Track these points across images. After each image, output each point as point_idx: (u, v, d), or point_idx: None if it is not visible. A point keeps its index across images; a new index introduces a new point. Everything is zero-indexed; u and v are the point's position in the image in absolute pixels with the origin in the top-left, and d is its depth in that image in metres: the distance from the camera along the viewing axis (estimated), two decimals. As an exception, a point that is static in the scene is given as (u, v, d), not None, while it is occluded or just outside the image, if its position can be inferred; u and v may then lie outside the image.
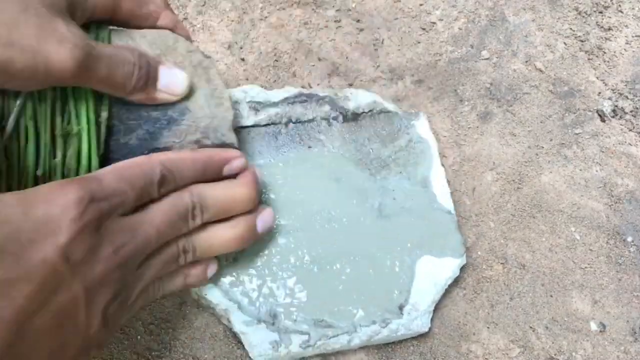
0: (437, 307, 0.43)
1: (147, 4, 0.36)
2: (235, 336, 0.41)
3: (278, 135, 0.45)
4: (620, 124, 0.50)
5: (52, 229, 0.26)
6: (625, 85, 0.51)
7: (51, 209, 0.26)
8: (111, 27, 0.35)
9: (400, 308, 0.41)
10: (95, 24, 0.34)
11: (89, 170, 0.33)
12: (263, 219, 0.38)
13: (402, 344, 0.42)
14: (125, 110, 0.34)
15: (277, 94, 0.46)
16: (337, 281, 0.41)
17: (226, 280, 0.41)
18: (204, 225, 0.35)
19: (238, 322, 0.40)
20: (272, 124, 0.45)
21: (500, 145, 0.49)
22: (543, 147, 0.49)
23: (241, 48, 0.51)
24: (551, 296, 0.44)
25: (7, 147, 0.31)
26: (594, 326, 0.43)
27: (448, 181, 0.46)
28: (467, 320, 0.43)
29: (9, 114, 0.31)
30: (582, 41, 0.53)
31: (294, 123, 0.45)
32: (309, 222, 0.43)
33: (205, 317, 0.42)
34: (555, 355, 0.42)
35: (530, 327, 0.43)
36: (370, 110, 0.47)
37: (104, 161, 0.34)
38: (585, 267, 0.45)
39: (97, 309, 0.28)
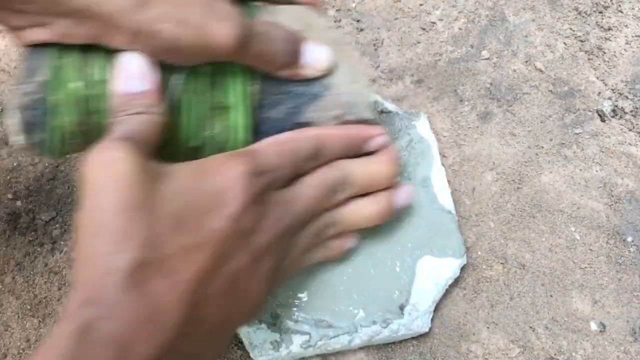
0: (437, 307, 0.43)
1: None
2: (235, 336, 0.41)
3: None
4: (620, 124, 0.50)
5: (225, 200, 0.28)
6: (625, 85, 0.51)
7: (223, 181, 0.28)
8: (256, 3, 0.36)
9: (401, 308, 0.41)
10: (242, 1, 0.35)
11: (241, 142, 0.34)
12: (402, 195, 0.39)
13: (402, 344, 0.42)
14: (271, 85, 0.35)
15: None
16: (337, 281, 0.41)
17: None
18: (347, 200, 0.36)
19: (238, 322, 0.40)
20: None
21: (500, 145, 0.49)
22: (543, 147, 0.49)
23: (241, 48, 0.51)
24: (551, 296, 0.44)
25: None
26: (594, 326, 0.43)
27: (448, 181, 0.46)
28: (467, 320, 0.43)
29: (172, 88, 0.32)
30: (582, 41, 0.53)
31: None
32: (309, 222, 0.43)
33: (206, 317, 0.42)
34: (555, 355, 0.42)
35: (530, 327, 0.43)
36: (370, 110, 0.47)
37: (253, 134, 0.35)
38: (585, 267, 0.45)
39: (260, 276, 0.30)
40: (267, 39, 0.32)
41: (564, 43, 0.53)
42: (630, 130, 0.49)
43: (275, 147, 0.32)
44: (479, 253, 0.45)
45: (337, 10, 0.54)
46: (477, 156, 0.48)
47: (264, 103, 0.35)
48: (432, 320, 0.42)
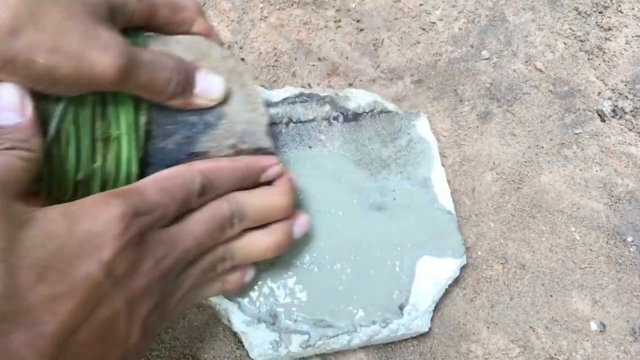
0: (437, 307, 0.43)
1: (182, 11, 0.36)
2: (235, 336, 0.41)
3: (278, 135, 0.45)
4: (620, 124, 0.50)
5: (96, 245, 0.26)
6: (625, 85, 0.51)
7: (95, 225, 0.27)
8: (147, 34, 0.35)
9: (401, 308, 0.41)
10: (132, 30, 0.34)
11: (129, 174, 0.33)
12: (299, 225, 0.38)
13: (402, 344, 0.42)
14: (162, 114, 0.34)
15: (277, 94, 0.46)
16: (337, 281, 0.41)
17: (226, 280, 0.41)
18: (242, 232, 0.35)
19: (238, 322, 0.40)
20: (273, 124, 0.45)
21: (500, 145, 0.49)
22: (543, 147, 0.49)
23: (241, 48, 0.51)
24: (551, 296, 0.44)
25: (48, 151, 0.31)
26: (594, 326, 0.43)
27: (448, 181, 0.46)
28: (467, 320, 0.43)
29: (51, 119, 0.31)
30: (582, 41, 0.53)
31: (294, 123, 0.45)
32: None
33: (205, 317, 0.42)
34: (555, 355, 0.42)
35: (530, 327, 0.43)
36: (370, 110, 0.47)
37: (142, 165, 0.34)
38: (585, 267, 0.45)
39: (137, 321, 0.29)
40: (153, 68, 0.31)
41: (564, 43, 0.53)
42: (630, 130, 0.49)
43: (159, 184, 0.31)
44: (479, 253, 0.45)
45: (337, 10, 0.54)
46: (477, 156, 0.48)
47: (155, 134, 0.34)
48: (432, 320, 0.42)
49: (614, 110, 0.50)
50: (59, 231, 0.26)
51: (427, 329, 0.41)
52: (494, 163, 0.48)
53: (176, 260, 0.31)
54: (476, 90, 0.51)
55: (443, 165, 0.47)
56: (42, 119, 0.30)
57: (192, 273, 0.33)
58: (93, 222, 0.27)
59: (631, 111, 0.50)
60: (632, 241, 0.46)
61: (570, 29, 0.53)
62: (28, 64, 0.27)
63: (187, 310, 0.36)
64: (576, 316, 0.44)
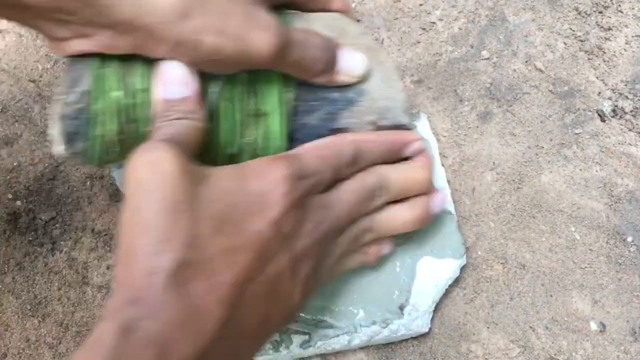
0: (437, 307, 0.43)
1: None
2: (235, 336, 0.41)
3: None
4: (620, 124, 0.50)
5: (267, 203, 0.28)
6: (625, 85, 0.51)
7: (265, 184, 0.29)
8: (289, 11, 0.36)
9: (401, 308, 0.41)
10: (278, 9, 0.35)
11: (278, 150, 0.34)
12: (438, 200, 0.39)
13: (402, 344, 0.42)
14: (307, 91, 0.35)
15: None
16: (337, 281, 0.41)
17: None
18: (384, 205, 0.36)
19: (238, 322, 0.40)
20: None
21: (500, 145, 0.49)
22: (543, 147, 0.49)
23: (241, 48, 0.51)
24: (551, 296, 0.44)
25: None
26: (594, 326, 0.43)
27: (448, 181, 0.46)
28: (467, 320, 0.43)
29: (208, 96, 0.32)
30: (582, 41, 0.53)
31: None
32: (309, 222, 0.43)
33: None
34: (555, 355, 0.42)
35: (530, 327, 0.43)
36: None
37: (289, 141, 0.35)
38: (585, 267, 0.45)
39: (299, 280, 0.30)
40: (304, 47, 0.33)
41: (564, 43, 0.53)
42: (630, 130, 0.49)
43: (317, 152, 0.33)
44: (479, 253, 0.45)
45: (337, 10, 0.54)
46: (477, 156, 0.48)
47: (299, 110, 0.35)
48: (432, 320, 0.42)
49: (614, 110, 0.50)
50: (232, 188, 0.28)
51: (427, 329, 0.41)
52: (494, 163, 0.48)
53: (331, 225, 0.32)
54: (476, 90, 0.51)
55: (443, 165, 0.47)
56: (201, 95, 0.32)
57: (341, 241, 0.34)
58: (263, 182, 0.28)
59: (631, 111, 0.50)
60: (632, 241, 0.46)
61: (570, 29, 0.53)
62: (197, 45, 0.29)
63: (332, 280, 0.37)
64: (576, 316, 0.44)
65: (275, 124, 0.34)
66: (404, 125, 0.37)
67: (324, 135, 0.35)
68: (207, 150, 0.33)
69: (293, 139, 0.35)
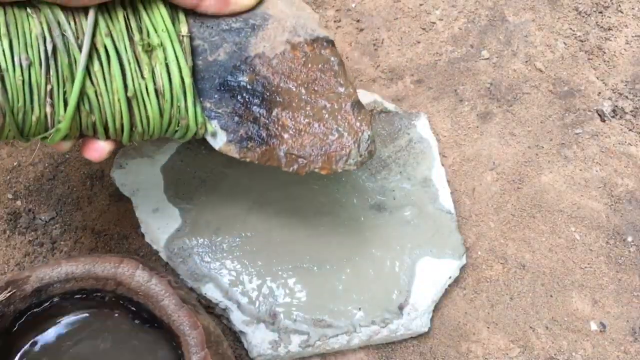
0: (437, 307, 0.43)
1: None
2: (235, 336, 0.41)
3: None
4: (620, 124, 0.50)
5: None
6: (625, 85, 0.51)
7: None
8: None
9: (400, 308, 0.41)
10: None
11: (183, 85, 0.32)
12: None
13: (402, 344, 0.42)
14: (205, 27, 0.34)
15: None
16: (337, 281, 0.41)
17: (226, 279, 0.41)
18: None
19: (238, 322, 0.40)
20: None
21: (500, 145, 0.49)
22: (543, 147, 0.49)
23: (241, 48, 0.51)
24: (551, 296, 0.44)
25: (91, 71, 0.30)
26: (594, 326, 0.43)
27: (448, 181, 0.46)
28: (467, 320, 0.43)
29: (86, 33, 0.30)
30: (582, 41, 0.53)
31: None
32: (309, 222, 0.43)
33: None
34: (555, 355, 0.42)
35: (530, 327, 0.43)
36: (370, 110, 0.47)
37: (197, 81, 0.33)
38: (585, 267, 0.45)
39: None
40: None
41: (564, 43, 0.53)
42: (630, 130, 0.49)
43: None
44: (479, 253, 0.45)
45: (337, 10, 0.54)
46: (477, 156, 0.48)
47: (202, 49, 0.34)
48: (432, 320, 0.42)
49: (614, 110, 0.50)
50: None
51: (426, 329, 0.41)
52: (494, 163, 0.48)
53: None
54: (476, 90, 0.51)
55: (443, 165, 0.46)
56: (75, 36, 0.30)
57: None
58: None
59: (631, 111, 0.50)
60: (632, 241, 0.46)
61: (570, 29, 0.53)
62: None
63: None
64: (576, 316, 0.43)
65: (172, 57, 0.32)
66: (324, 38, 0.35)
67: (238, 68, 0.34)
68: (104, 97, 0.31)
69: (203, 79, 0.34)
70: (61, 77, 0.30)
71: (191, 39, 0.33)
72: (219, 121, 0.34)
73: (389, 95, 0.50)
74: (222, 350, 0.33)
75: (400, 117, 0.47)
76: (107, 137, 0.33)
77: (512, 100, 0.50)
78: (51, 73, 0.30)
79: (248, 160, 0.34)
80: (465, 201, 0.47)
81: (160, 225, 0.42)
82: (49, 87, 0.30)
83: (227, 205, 0.43)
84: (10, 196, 0.46)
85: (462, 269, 0.44)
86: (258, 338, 0.39)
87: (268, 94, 0.34)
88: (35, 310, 0.32)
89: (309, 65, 0.35)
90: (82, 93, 0.30)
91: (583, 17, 0.53)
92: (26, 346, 0.33)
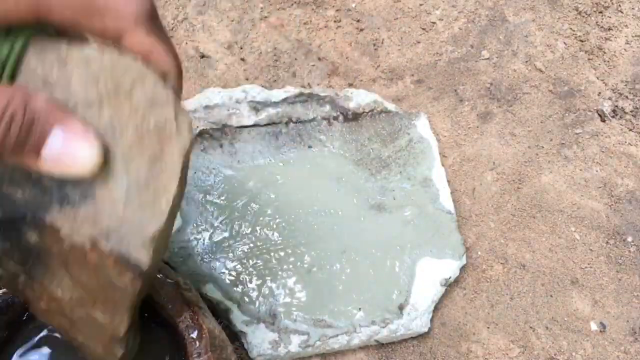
0: (437, 307, 0.43)
1: (103, 16, 0.24)
2: (235, 336, 0.41)
3: (278, 135, 0.45)
4: (620, 124, 0.50)
5: None
6: (625, 85, 0.51)
7: None
8: (39, 36, 0.24)
9: (400, 308, 0.41)
10: (18, 30, 0.23)
11: None
12: None
13: (402, 344, 0.42)
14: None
15: (277, 94, 0.46)
16: (337, 281, 0.41)
17: (226, 279, 0.40)
18: None
19: (238, 322, 0.40)
20: (273, 123, 0.45)
21: (500, 145, 0.49)
22: (543, 147, 0.49)
23: (241, 48, 0.51)
24: (551, 296, 0.44)
25: None
26: (594, 326, 0.43)
27: (448, 181, 0.46)
28: (467, 320, 0.43)
29: None
30: (582, 41, 0.53)
31: (294, 123, 0.45)
32: (309, 222, 0.43)
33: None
34: (555, 355, 0.42)
35: (530, 327, 0.43)
36: (370, 110, 0.47)
37: None
38: (585, 267, 0.45)
39: None
40: None
41: (564, 43, 0.53)
42: (630, 130, 0.49)
43: None
44: (479, 253, 0.45)
45: (337, 10, 0.54)
46: (477, 156, 0.48)
47: None
48: (432, 320, 0.42)
49: (614, 110, 0.50)
50: None
51: (426, 329, 0.41)
52: (494, 163, 0.48)
53: None
54: (476, 90, 0.51)
55: (443, 165, 0.46)
56: None
57: None
58: None
59: (631, 111, 0.50)
60: (632, 241, 0.46)
61: (570, 29, 0.53)
62: None
63: None
64: (576, 316, 0.43)
65: None
66: (135, 266, 0.24)
67: (27, 217, 0.24)
68: None
69: None
70: None
71: None
72: None
73: (389, 95, 0.50)
74: (226, 355, 0.33)
75: (400, 117, 0.47)
76: None
77: (512, 100, 0.50)
78: None
79: None
80: (465, 201, 0.47)
81: (160, 225, 0.42)
82: None
83: (227, 205, 0.43)
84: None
85: (462, 269, 0.44)
86: (258, 338, 0.39)
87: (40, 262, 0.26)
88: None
89: (97, 275, 0.26)
90: None
91: (583, 17, 0.53)
92: (34, 337, 0.33)
